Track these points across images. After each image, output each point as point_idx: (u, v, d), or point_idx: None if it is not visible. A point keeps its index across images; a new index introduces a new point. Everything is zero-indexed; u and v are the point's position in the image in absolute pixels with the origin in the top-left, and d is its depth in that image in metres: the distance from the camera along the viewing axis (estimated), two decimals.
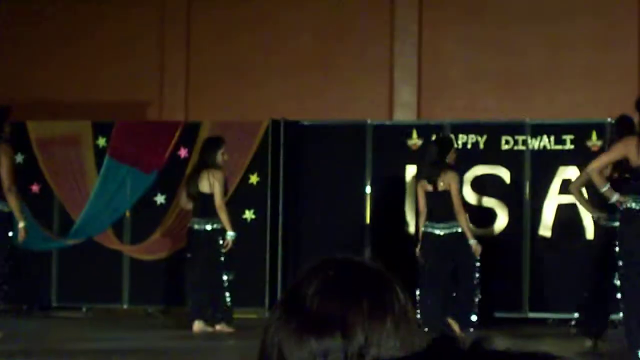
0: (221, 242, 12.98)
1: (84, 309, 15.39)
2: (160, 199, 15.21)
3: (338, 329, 1.69)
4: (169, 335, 12.84)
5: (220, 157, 13.03)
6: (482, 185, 14.25)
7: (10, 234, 12.24)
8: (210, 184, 12.98)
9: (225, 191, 13.17)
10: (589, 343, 11.33)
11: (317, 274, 1.74)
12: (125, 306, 15.34)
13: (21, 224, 12.24)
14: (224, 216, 12.94)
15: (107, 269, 15.27)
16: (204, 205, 13.04)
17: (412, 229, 14.23)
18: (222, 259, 12.99)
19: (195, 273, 13.14)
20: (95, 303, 15.44)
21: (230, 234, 12.93)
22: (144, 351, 11.37)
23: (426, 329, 12.19)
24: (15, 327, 12.29)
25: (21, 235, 12.29)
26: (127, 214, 15.41)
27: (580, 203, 12.42)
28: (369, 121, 15.26)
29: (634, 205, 9.82)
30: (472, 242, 12.73)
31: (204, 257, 13.06)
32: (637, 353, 9.66)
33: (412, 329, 1.73)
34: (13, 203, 12.38)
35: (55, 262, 15.41)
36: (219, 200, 12.89)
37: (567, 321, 13.74)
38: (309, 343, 1.74)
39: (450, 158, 12.82)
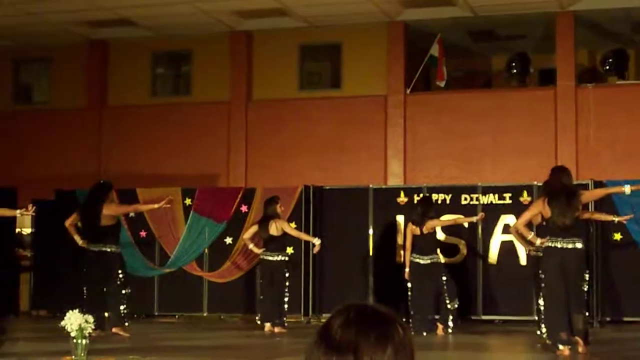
0: (285, 269, 12.74)
1: (176, 316, 15.34)
2: (228, 240, 15.12)
3: (351, 353, 1.61)
4: (236, 335, 12.57)
5: (278, 209, 12.90)
6: (449, 228, 14.06)
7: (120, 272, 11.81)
8: (277, 228, 12.70)
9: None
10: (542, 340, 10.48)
11: (342, 313, 1.68)
12: (205, 314, 15.24)
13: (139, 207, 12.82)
14: (303, 236, 13.13)
15: (192, 289, 15.27)
16: (273, 244, 12.76)
17: (400, 258, 13.86)
18: (287, 282, 12.81)
19: (266, 290, 12.85)
20: (184, 312, 15.37)
21: (317, 240, 12.80)
22: (219, 347, 11.11)
23: (418, 329, 12.00)
24: (130, 330, 11.88)
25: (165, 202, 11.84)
26: (206, 251, 15.27)
27: (518, 241, 12.40)
28: (370, 186, 15.08)
29: (549, 244, 9.67)
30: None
31: (274, 280, 12.74)
32: (557, 346, 9.49)
33: (408, 355, 1.66)
34: (144, 208, 13.10)
35: (156, 284, 15.43)
36: (295, 233, 12.92)
37: (509, 321, 13.95)
38: None
39: (433, 211, 12.59)
